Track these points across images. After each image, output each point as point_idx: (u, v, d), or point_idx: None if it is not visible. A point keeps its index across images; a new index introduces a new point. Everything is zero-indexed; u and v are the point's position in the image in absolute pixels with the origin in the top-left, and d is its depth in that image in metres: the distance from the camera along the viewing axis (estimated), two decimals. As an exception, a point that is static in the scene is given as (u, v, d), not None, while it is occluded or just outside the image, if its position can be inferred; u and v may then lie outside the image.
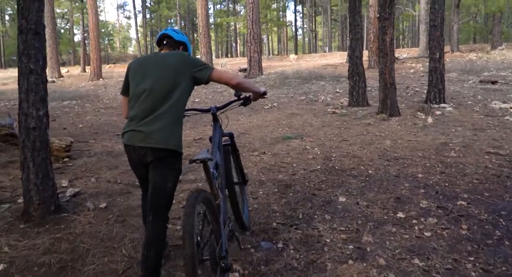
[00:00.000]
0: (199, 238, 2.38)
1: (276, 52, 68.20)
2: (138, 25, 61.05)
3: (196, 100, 13.79)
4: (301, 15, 73.80)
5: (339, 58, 30.37)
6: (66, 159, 6.01)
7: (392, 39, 8.55)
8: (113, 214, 4.09)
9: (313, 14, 66.61)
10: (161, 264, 2.66)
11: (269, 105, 11.70)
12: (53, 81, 24.19)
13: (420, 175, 5.12)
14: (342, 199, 4.40)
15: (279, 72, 20.79)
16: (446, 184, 4.78)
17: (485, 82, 13.68)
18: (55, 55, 26.62)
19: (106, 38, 71.14)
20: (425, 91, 12.09)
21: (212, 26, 56.90)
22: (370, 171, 5.37)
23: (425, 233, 3.53)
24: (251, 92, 3.19)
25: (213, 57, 56.09)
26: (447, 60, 16.54)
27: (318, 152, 6.43)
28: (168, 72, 2.70)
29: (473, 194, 4.44)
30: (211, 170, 2.67)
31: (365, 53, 16.82)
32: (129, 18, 73.39)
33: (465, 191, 4.54)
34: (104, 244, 3.45)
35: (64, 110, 12.66)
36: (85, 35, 35.19)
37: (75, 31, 49.90)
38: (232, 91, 3.20)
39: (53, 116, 11.21)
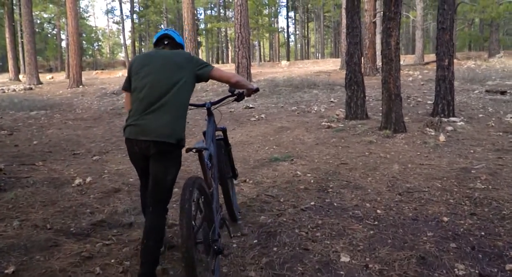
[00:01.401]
0: (193, 222, 2.47)
1: (267, 59, 66.95)
2: (126, 30, 59.62)
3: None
4: (293, 21, 72.78)
5: (332, 65, 29.35)
6: (-8, 192, 4.72)
7: (398, 43, 7.32)
8: (18, 288, 2.84)
9: (306, 20, 65.71)
10: (160, 252, 2.77)
11: (256, 117, 10.47)
12: (30, 88, 22.84)
13: (445, 219, 3.90)
14: (345, 258, 3.19)
15: (269, 79, 19.63)
16: (483, 234, 3.58)
17: (492, 92, 12.59)
18: (33, 61, 25.17)
19: (95, 44, 69.61)
20: (428, 102, 11.05)
21: (204, 31, 55.69)
22: (378, 211, 4.15)
23: None
24: (246, 89, 3.34)
25: (203, 63, 55.03)
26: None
27: (312, 181, 5.21)
28: (171, 68, 2.80)
29: (522, 250, 3.25)
30: (205, 160, 2.83)
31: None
32: (118, 23, 71.62)
33: (510, 246, 3.34)
34: None
35: (28, 122, 11.27)
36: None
37: (62, 36, 48.28)
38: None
39: (12, 129, 9.96)
